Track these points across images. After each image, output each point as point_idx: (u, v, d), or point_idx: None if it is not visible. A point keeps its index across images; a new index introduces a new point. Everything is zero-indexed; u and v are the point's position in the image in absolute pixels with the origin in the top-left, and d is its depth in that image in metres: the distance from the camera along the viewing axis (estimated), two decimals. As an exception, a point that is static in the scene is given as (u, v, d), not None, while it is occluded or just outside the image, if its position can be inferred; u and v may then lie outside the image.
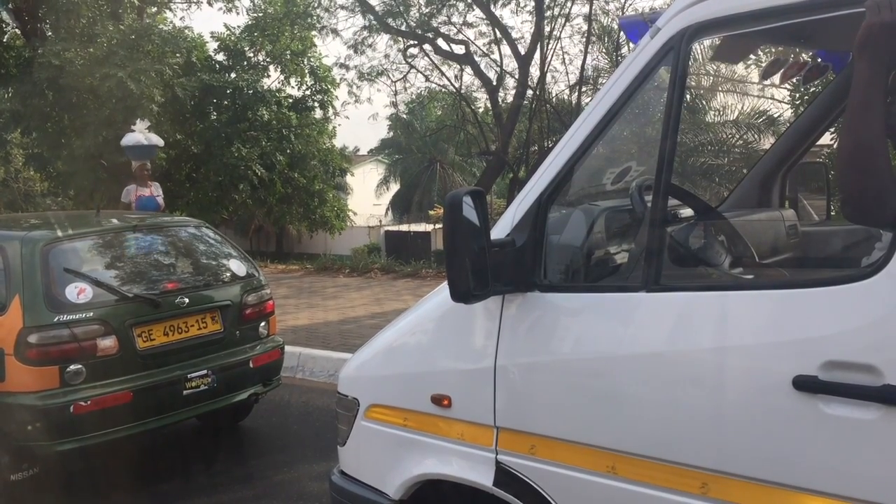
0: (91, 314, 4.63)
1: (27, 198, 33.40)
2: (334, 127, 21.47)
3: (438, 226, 38.57)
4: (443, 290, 2.77)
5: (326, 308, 10.06)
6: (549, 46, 15.50)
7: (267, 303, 5.66)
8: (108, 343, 4.66)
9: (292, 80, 21.21)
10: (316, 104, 21.59)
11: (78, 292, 4.65)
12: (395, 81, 19.99)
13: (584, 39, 15.70)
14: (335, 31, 17.95)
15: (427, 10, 15.27)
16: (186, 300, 5.07)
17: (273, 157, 19.16)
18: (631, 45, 17.43)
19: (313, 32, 20.48)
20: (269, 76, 20.99)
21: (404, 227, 42.62)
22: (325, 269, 13.83)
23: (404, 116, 47.88)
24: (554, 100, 16.58)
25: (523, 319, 2.46)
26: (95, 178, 18.28)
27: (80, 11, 17.31)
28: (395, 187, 52.41)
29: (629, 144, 2.77)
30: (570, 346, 2.38)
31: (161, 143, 11.34)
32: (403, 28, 17.06)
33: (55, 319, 4.52)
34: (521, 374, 2.46)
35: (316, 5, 19.20)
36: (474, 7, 15.14)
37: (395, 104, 21.58)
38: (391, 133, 53.51)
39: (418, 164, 51.03)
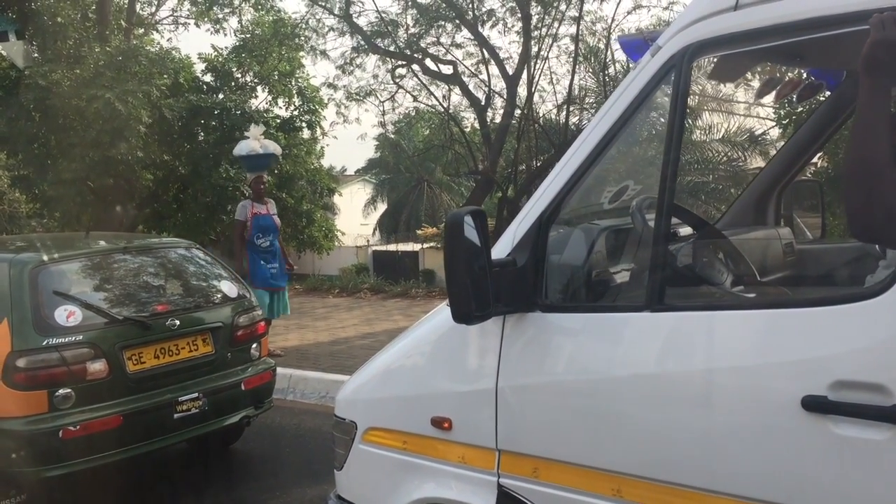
0: (80, 337, 4.57)
1: (12, 219, 33.14)
2: (323, 147, 21.39)
3: (427, 245, 38.58)
4: (441, 311, 2.74)
5: (316, 329, 10.00)
6: (537, 67, 15.58)
7: (258, 324, 5.61)
8: (97, 366, 4.60)
9: (280, 101, 21.18)
10: (304, 124, 21.57)
11: (67, 315, 4.59)
12: (382, 101, 20.03)
13: (571, 59, 15.79)
14: (324, 53, 17.97)
15: (415, 31, 15.32)
16: (177, 322, 5.01)
17: (261, 178, 19.09)
18: (619, 64, 17.55)
19: (301, 53, 20.50)
20: (256, 97, 20.97)
21: (392, 247, 42.56)
22: (314, 290, 13.78)
23: (392, 136, 48.02)
24: (542, 119, 16.64)
25: (525, 340, 2.43)
26: (82, 201, 18.14)
27: (67, 33, 17.27)
28: (382, 207, 52.45)
29: (630, 163, 2.76)
30: (572, 366, 2.36)
31: (279, 150, 9.89)
32: (392, 48, 17.11)
33: (44, 343, 4.45)
34: (523, 395, 2.43)
35: (304, 26, 19.24)
36: (462, 28, 15.21)
37: (382, 124, 21.58)
38: (378, 153, 53.71)
39: (406, 184, 51.11)
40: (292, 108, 21.60)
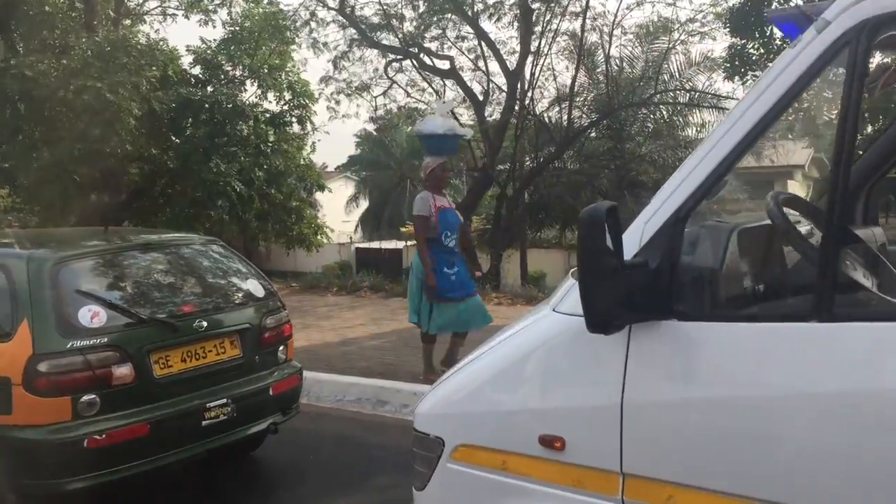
0: (105, 339, 4.26)
1: (-11, 214, 32.43)
2: (314, 143, 21.04)
3: (410, 243, 38.34)
4: (547, 317, 2.49)
5: (322, 329, 9.70)
6: (536, 62, 15.37)
7: (285, 325, 5.32)
8: (123, 371, 4.29)
9: (270, 95, 20.82)
10: (294, 119, 21.23)
11: (91, 315, 4.27)
12: (375, 97, 19.75)
13: (573, 54, 15.60)
14: (320, 45, 17.62)
15: (417, 24, 15.06)
16: (205, 323, 4.71)
17: (252, 173, 18.74)
18: (616, 61, 17.37)
19: (293, 47, 20.16)
20: (245, 90, 20.60)
21: (375, 244, 42.26)
22: (311, 288, 13.46)
23: (375, 133, 47.68)
24: (542, 115, 16.44)
25: (658, 351, 2.18)
26: (65, 194, 17.74)
27: (55, 22, 16.82)
28: (364, 204, 52.09)
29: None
30: (719, 382, 2.10)
31: (468, 133, 8.21)
32: (386, 42, 16.85)
33: (68, 346, 4.14)
34: (657, 413, 2.17)
35: (295, 20, 18.91)
36: (462, 22, 14.96)
37: (374, 119, 21.29)
38: (359, 150, 53.37)
39: (388, 181, 50.79)
40: (282, 102, 21.25)
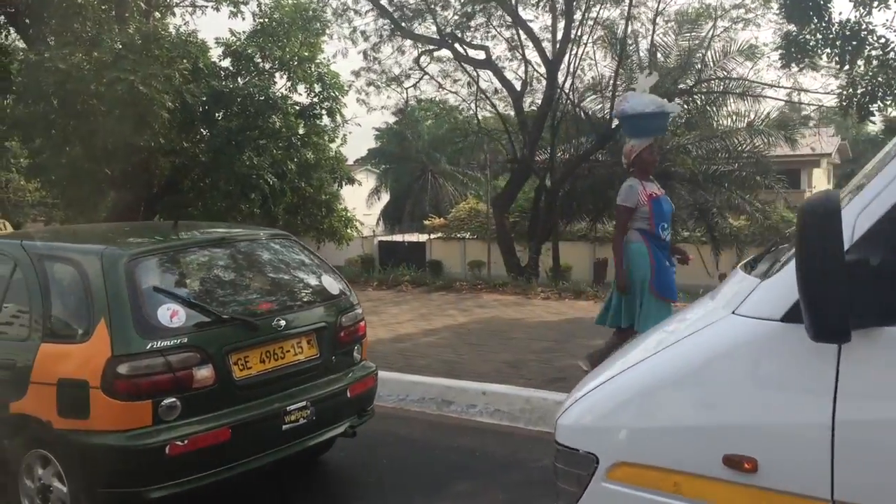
0: (186, 339, 4.03)
1: (17, 208, 32.60)
2: (346, 135, 20.83)
3: (434, 236, 38.15)
4: (725, 319, 2.22)
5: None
6: (574, 52, 15.05)
7: (360, 324, 5.08)
8: (204, 373, 4.07)
9: (300, 87, 20.62)
10: (324, 111, 21.02)
11: (171, 314, 4.04)
12: (406, 88, 19.50)
13: (611, 43, 15.26)
14: (362, 33, 17.31)
15: (460, 13, 14.74)
16: (283, 322, 4.47)
17: (284, 166, 18.55)
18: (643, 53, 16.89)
19: (322, 38, 19.95)
20: (275, 83, 20.42)
21: (398, 237, 42.09)
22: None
23: (396, 127, 47.42)
24: (582, 105, 16.12)
25: (881, 362, 1.91)
26: (97, 188, 17.64)
27: (86, 14, 16.64)
28: (385, 197, 51.90)
29: None
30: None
31: (676, 109, 7.20)
32: (419, 32, 16.59)
33: (148, 346, 3.92)
34: (883, 433, 1.91)
35: (326, 10, 18.68)
36: (500, 10, 14.65)
37: (402, 112, 21.06)
38: (378, 143, 53.20)
39: (410, 174, 50.57)
40: (312, 94, 21.07)
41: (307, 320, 4.66)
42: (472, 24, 15.05)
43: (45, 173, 18.79)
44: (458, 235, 35.23)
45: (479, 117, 19.28)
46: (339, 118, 21.11)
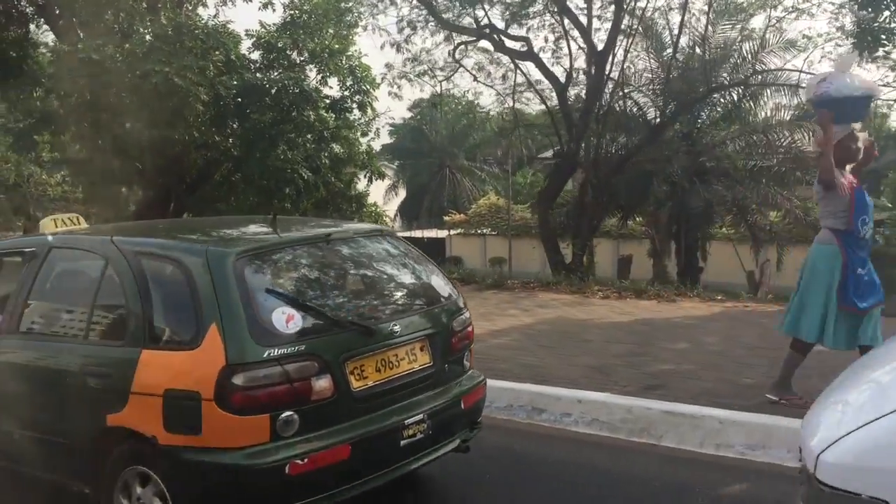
0: (303, 347, 3.65)
1: (38, 203, 32.40)
2: (378, 129, 20.47)
3: (454, 231, 37.79)
4: None
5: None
6: (622, 44, 14.62)
7: (469, 329, 4.67)
8: (323, 384, 3.68)
9: (332, 80, 20.26)
10: (354, 105, 20.69)
11: (287, 319, 3.66)
12: (440, 81, 19.12)
13: (658, 36, 14.83)
14: (401, 21, 16.87)
15: (510, 4, 14.32)
16: (397, 328, 4.08)
17: (318, 160, 18.20)
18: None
19: (355, 30, 19.60)
20: (306, 76, 20.08)
21: (417, 233, 41.72)
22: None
23: (412, 122, 46.98)
24: (628, 99, 15.67)
25: None
26: (127, 182, 17.36)
27: (119, 5, 16.32)
28: (402, 193, 51.55)
29: None
30: None
31: (879, 92, 6.18)
32: (455, 23, 16.19)
33: (265, 355, 3.53)
34: None
35: (360, 2, 18.32)
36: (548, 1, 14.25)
37: (436, 105, 20.66)
38: (393, 138, 52.83)
39: (427, 170, 50.16)
40: (344, 87, 20.73)
41: (420, 325, 4.26)
42: (529, 11, 14.61)
43: (75, 167, 18.51)
44: (479, 231, 34.83)
45: (514, 111, 18.88)
46: (370, 112, 20.80)
